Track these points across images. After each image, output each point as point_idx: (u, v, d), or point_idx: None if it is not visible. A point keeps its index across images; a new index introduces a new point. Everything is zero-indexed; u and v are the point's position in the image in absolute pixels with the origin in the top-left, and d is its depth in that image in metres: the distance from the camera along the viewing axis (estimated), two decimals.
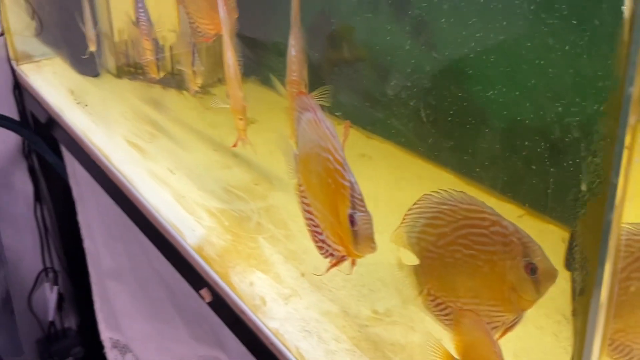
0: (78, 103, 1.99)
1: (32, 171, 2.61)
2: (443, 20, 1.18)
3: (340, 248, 0.79)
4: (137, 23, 1.35)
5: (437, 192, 0.74)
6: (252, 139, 1.20)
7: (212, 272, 1.26)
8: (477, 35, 1.12)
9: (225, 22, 1.06)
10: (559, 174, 1.05)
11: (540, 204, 1.13)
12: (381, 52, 1.31)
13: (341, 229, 0.76)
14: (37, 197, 2.64)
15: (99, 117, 1.90)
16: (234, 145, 1.18)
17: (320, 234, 0.82)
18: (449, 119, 1.21)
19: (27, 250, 2.69)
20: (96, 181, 1.82)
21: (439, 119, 1.23)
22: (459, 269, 0.75)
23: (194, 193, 1.49)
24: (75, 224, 2.28)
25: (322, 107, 0.84)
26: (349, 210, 0.73)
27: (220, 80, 1.70)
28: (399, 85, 1.23)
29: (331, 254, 0.81)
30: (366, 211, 0.73)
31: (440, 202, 0.74)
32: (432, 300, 0.79)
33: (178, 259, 1.39)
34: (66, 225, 2.54)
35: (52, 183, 2.57)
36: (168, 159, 1.66)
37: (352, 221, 0.73)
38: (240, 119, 1.10)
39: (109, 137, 1.80)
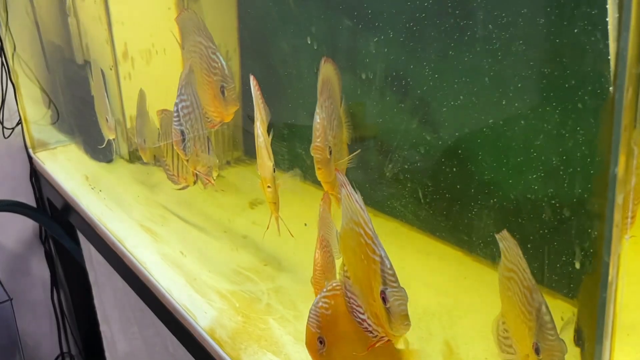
0: (93, 188, 2.06)
1: (48, 256, 2.66)
2: (444, 102, 1.21)
3: (379, 329, 0.76)
4: (174, 136, 1.37)
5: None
6: (262, 219, 1.22)
7: (225, 355, 1.27)
8: (474, 118, 1.16)
9: (256, 94, 1.10)
10: (559, 252, 1.06)
11: (550, 280, 1.14)
12: (385, 131, 1.34)
13: (377, 307, 0.74)
14: (54, 282, 2.68)
15: (113, 202, 1.95)
16: (268, 228, 1.17)
17: (363, 315, 0.80)
18: (453, 196, 1.24)
19: (44, 335, 2.71)
20: (111, 265, 1.85)
21: (443, 197, 1.26)
22: (511, 306, 0.77)
23: (205, 275, 1.52)
24: (92, 309, 2.31)
25: None
26: (381, 287, 0.71)
27: (230, 163, 1.74)
28: (404, 164, 1.26)
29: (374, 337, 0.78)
30: (398, 287, 0.71)
31: (510, 239, 0.78)
32: (502, 323, 0.81)
33: (191, 341, 1.40)
34: (82, 310, 2.57)
35: (69, 268, 2.61)
36: (179, 242, 1.69)
37: (384, 298, 0.71)
38: (269, 187, 1.08)
39: (122, 221, 1.85)
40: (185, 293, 1.47)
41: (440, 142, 1.24)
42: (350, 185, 0.77)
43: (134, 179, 1.96)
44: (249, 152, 1.05)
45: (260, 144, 1.06)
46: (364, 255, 0.74)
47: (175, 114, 1.23)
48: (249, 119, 1.35)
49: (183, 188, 1.54)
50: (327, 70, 1.12)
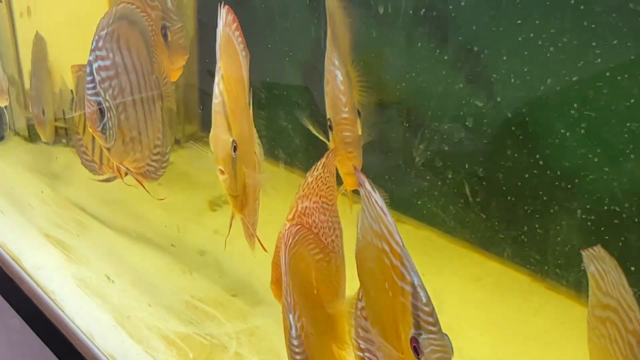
0: None
1: None
2: (504, 51, 1.19)
3: None
4: (87, 109, 1.36)
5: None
6: (227, 227, 1.19)
7: None
8: (551, 76, 1.14)
9: (229, 36, 1.07)
10: None
11: None
12: (414, 95, 1.32)
13: None
14: None
15: (4, 202, 1.93)
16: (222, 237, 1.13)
17: None
18: (518, 194, 1.24)
19: None
20: (2, 296, 1.83)
21: (502, 195, 1.25)
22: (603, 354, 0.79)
23: (143, 310, 1.49)
24: None
25: None
26: (412, 331, 0.69)
27: (179, 142, 1.72)
28: (443, 145, 1.24)
29: None
30: (438, 332, 0.69)
31: (608, 259, 0.79)
32: None
33: None
34: None
35: None
36: (105, 260, 1.67)
37: (416, 348, 0.69)
38: (221, 172, 1.03)
39: (18, 230, 1.83)
40: (114, 337, 1.44)
41: (497, 112, 1.23)
42: (369, 183, 0.75)
43: (37, 166, 1.94)
44: (209, 126, 1.00)
45: (217, 108, 1.02)
46: (388, 282, 0.72)
47: (89, 78, 1.19)
48: (209, 75, 1.32)
49: (108, 180, 1.50)
50: (330, 3, 1.11)
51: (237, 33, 1.01)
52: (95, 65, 1.16)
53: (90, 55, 1.16)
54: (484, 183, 1.25)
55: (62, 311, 1.56)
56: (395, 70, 1.31)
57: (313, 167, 0.99)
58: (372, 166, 1.36)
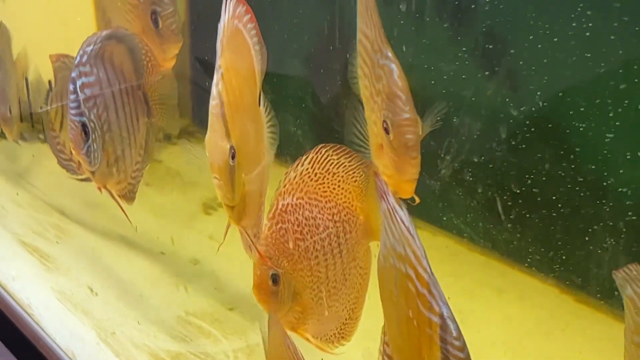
0: None
1: None
2: (542, 51, 1.19)
3: None
4: (71, 131, 1.35)
5: None
6: (223, 233, 1.19)
7: None
8: (595, 80, 1.14)
9: (236, 28, 1.06)
10: None
11: None
12: (439, 99, 1.32)
13: None
14: None
15: None
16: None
17: None
18: (537, 198, 1.24)
19: None
20: None
21: (535, 207, 1.25)
22: None
23: (131, 326, 1.49)
24: None
25: None
26: None
27: (170, 139, 1.71)
28: (472, 156, 1.23)
29: None
30: None
31: None
32: None
33: None
34: None
35: None
36: (87, 270, 1.66)
37: None
38: (216, 179, 1.01)
39: None
40: (98, 357, 1.44)
41: (534, 121, 1.23)
42: (392, 196, 0.74)
43: (10, 165, 1.94)
44: (203, 121, 0.99)
45: (214, 110, 1.00)
46: (412, 310, 0.71)
47: (73, 96, 1.18)
48: (199, 65, 1.32)
49: (87, 179, 1.49)
50: None
51: (250, 26, 1.00)
52: (79, 83, 1.15)
53: (73, 71, 1.16)
54: (508, 184, 1.25)
55: (40, 327, 1.55)
56: (417, 72, 1.31)
57: (297, 162, 1.00)
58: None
